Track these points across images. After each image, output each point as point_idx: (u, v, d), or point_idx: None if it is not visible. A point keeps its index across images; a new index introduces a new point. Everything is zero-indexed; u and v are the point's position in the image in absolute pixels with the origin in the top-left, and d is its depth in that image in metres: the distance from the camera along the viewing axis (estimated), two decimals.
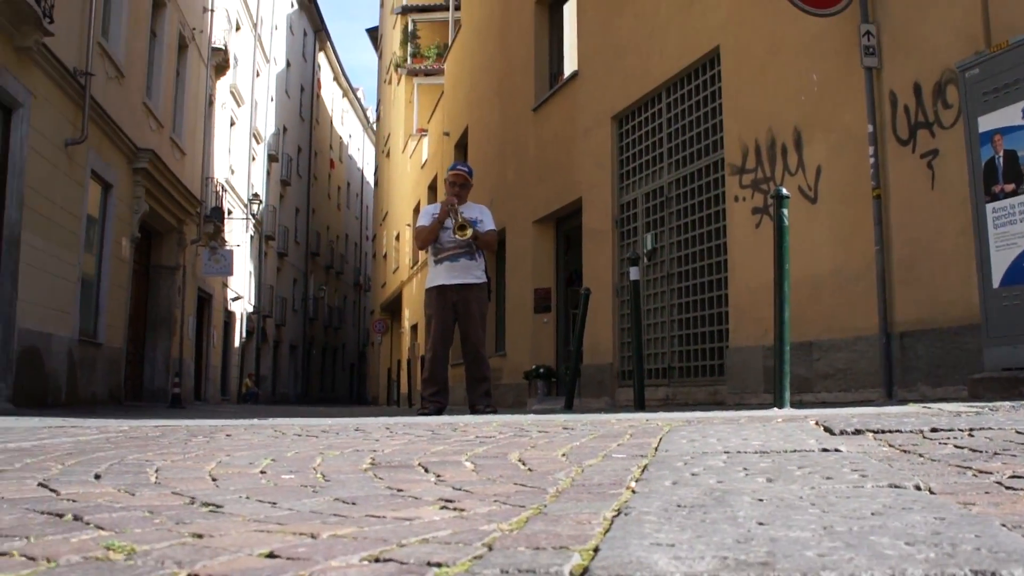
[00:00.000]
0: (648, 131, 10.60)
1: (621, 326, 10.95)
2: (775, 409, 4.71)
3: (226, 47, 22.14)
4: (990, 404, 3.83)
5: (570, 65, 13.47)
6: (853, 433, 2.64)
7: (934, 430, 2.63)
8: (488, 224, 7.40)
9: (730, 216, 8.74)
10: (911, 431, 2.63)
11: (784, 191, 5.32)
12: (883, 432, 2.62)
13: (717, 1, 9.06)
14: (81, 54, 12.25)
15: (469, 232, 7.09)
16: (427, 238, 7.33)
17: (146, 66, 16.22)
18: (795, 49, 7.84)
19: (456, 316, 7.26)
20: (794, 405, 5.17)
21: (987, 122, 5.38)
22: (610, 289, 11.16)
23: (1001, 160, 5.27)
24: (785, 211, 5.27)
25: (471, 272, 7.27)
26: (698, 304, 9.43)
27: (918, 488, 1.65)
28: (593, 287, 10.57)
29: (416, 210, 25.69)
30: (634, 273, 8.12)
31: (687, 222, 9.70)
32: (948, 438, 2.48)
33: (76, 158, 12.29)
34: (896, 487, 1.66)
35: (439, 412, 6.95)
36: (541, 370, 13.11)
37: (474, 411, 7.02)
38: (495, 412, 6.84)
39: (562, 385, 12.35)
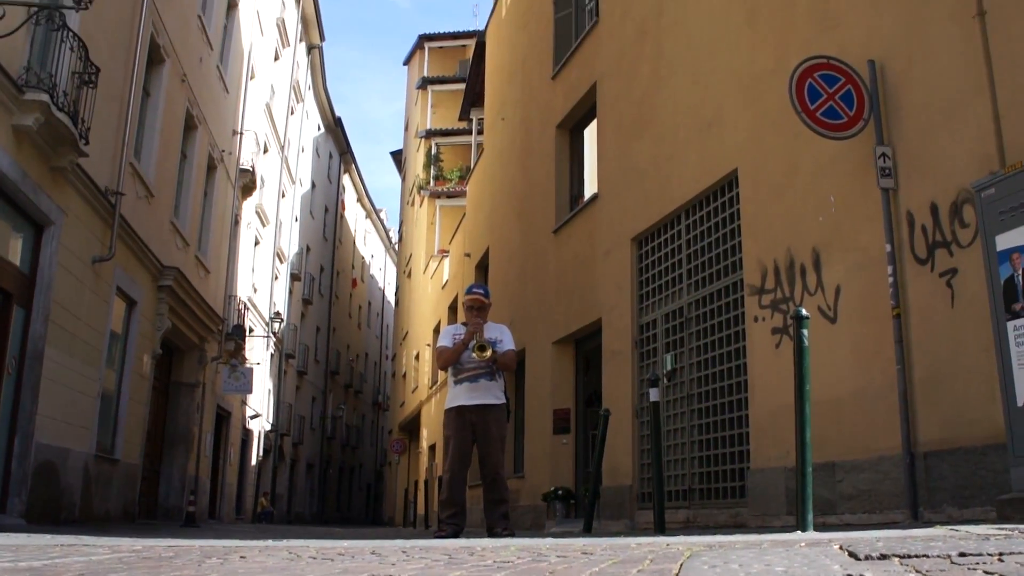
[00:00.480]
0: (667, 252, 10.69)
1: (641, 447, 10.82)
2: (798, 532, 4.61)
3: (253, 168, 22.64)
4: (1019, 526, 3.73)
5: (590, 188, 13.70)
6: (879, 558, 2.57)
7: (962, 554, 2.55)
8: (507, 344, 7.39)
9: (750, 336, 8.72)
10: (939, 555, 2.56)
11: (804, 311, 5.32)
12: (909, 557, 2.55)
13: (735, 124, 9.25)
14: (113, 174, 12.57)
15: (489, 353, 7.08)
16: (449, 359, 7.30)
17: (175, 186, 16.61)
18: (812, 171, 7.95)
19: (475, 437, 7.19)
20: (817, 528, 5.07)
21: (1005, 240, 5.41)
22: (630, 410, 11.07)
23: (1020, 278, 5.28)
24: (805, 331, 5.26)
25: (491, 392, 7.22)
26: (718, 425, 9.32)
27: None
28: (612, 408, 10.50)
29: (436, 330, 25.80)
30: (654, 394, 8.06)
31: (707, 342, 9.68)
32: (977, 563, 2.41)
33: (103, 275, 12.48)
34: None
35: (456, 535, 6.82)
36: (560, 492, 12.91)
37: (492, 534, 6.89)
38: (513, 535, 6.72)
39: (581, 507, 12.14)
